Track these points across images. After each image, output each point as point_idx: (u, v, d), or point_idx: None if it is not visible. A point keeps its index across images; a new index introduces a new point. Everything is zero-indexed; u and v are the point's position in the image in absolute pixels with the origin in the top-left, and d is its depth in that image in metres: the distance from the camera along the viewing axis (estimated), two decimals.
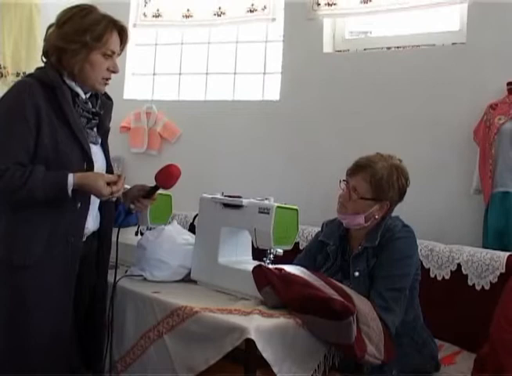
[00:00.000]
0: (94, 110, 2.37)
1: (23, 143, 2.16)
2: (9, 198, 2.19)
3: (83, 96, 2.34)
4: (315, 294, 2.15)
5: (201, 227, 2.63)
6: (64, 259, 2.24)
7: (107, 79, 2.34)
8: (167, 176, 2.39)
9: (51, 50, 2.27)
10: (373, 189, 2.56)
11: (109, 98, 2.49)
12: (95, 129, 2.40)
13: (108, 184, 2.21)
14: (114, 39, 2.31)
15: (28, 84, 2.20)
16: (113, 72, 2.34)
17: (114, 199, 2.35)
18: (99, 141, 2.42)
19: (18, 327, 2.19)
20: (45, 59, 2.33)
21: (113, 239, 2.45)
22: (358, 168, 2.61)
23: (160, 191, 2.49)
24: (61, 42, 2.24)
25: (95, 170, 2.30)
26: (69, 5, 2.32)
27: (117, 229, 2.44)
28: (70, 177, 2.16)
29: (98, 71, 2.29)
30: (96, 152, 2.36)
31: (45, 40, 2.32)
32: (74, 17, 2.26)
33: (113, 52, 2.31)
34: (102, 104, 2.44)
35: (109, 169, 2.45)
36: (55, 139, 2.19)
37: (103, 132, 2.45)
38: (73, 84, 2.30)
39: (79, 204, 2.25)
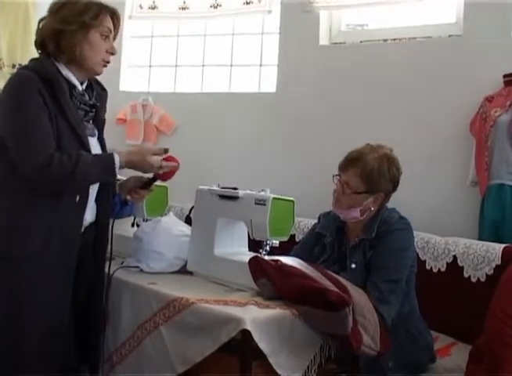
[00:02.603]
0: (91, 102, 2.36)
1: (49, 129, 2.16)
2: (60, 185, 2.19)
3: (80, 88, 2.32)
4: (311, 285, 2.15)
5: (197, 219, 2.63)
6: (62, 252, 2.23)
7: (107, 62, 2.35)
8: None
9: (48, 36, 2.26)
10: (365, 182, 2.55)
11: (103, 88, 2.48)
12: (91, 122, 2.39)
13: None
14: (108, 19, 2.33)
15: (27, 76, 2.19)
16: (112, 54, 2.35)
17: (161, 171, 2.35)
18: (96, 133, 2.40)
19: (14, 322, 2.18)
20: (39, 51, 2.32)
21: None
22: (349, 162, 2.61)
23: (157, 183, 2.49)
24: (60, 25, 2.23)
25: None
26: None
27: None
28: (117, 158, 2.20)
29: (97, 52, 2.29)
30: (94, 145, 2.35)
31: (38, 31, 2.31)
32: (66, 5, 2.27)
33: (110, 32, 2.33)
34: (98, 96, 2.42)
35: None
36: (56, 131, 2.19)
37: (99, 124, 2.44)
38: (69, 74, 2.29)
39: (77, 197, 2.24)
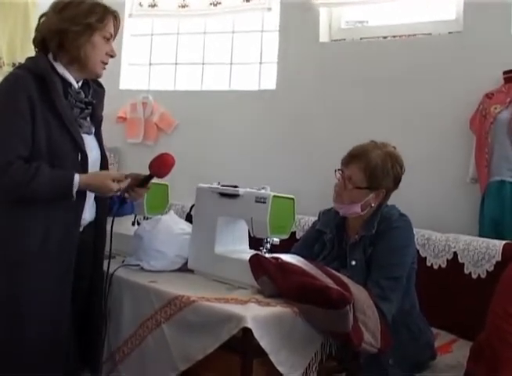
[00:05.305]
0: (87, 99, 2.35)
1: (21, 137, 2.14)
2: (11, 195, 2.18)
3: (75, 86, 2.32)
4: (311, 283, 2.15)
5: (198, 217, 2.63)
6: (61, 251, 2.23)
7: (105, 64, 2.35)
8: (162, 165, 2.38)
9: (51, 35, 2.25)
10: (368, 178, 2.55)
11: (100, 86, 2.48)
12: (88, 119, 2.38)
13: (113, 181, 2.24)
14: (112, 23, 2.34)
15: (20, 77, 2.19)
16: (111, 56, 2.36)
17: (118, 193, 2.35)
18: (93, 131, 2.40)
19: (14, 322, 2.18)
20: (36, 49, 2.32)
21: (108, 228, 2.45)
22: (353, 157, 2.61)
23: (157, 181, 2.49)
24: (65, 24, 2.23)
25: (90, 160, 2.29)
26: None
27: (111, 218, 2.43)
28: (76, 178, 2.16)
29: (99, 54, 2.31)
30: (90, 142, 2.35)
31: (39, 29, 2.31)
32: (71, 4, 2.27)
33: (111, 36, 2.34)
34: (94, 93, 2.42)
35: (104, 159, 2.44)
36: (49, 131, 2.18)
37: (96, 121, 2.43)
38: (66, 73, 2.28)
39: (75, 197, 2.23)
